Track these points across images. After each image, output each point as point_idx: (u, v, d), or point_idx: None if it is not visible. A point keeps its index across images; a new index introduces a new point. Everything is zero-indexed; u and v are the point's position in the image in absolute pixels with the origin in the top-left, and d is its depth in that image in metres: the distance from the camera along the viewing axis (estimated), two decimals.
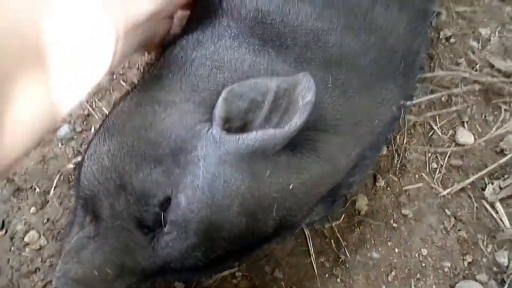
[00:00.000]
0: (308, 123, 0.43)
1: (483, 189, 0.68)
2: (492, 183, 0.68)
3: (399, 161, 0.71)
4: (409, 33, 0.54)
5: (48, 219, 0.70)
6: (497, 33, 0.76)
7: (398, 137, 0.72)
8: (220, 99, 0.43)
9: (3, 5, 0.31)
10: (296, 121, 0.41)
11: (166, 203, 0.44)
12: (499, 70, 0.71)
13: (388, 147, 0.71)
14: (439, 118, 0.73)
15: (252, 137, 0.42)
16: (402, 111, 0.64)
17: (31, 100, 0.33)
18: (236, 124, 0.44)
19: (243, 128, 0.45)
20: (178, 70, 0.48)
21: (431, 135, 0.72)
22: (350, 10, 0.48)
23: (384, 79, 0.52)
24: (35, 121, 0.34)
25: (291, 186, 0.45)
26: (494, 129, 0.70)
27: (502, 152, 0.70)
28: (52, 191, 0.71)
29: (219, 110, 0.43)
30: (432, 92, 0.72)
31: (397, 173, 0.70)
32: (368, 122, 0.52)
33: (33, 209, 0.70)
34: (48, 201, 0.71)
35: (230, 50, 0.48)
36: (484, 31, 0.76)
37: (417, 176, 0.70)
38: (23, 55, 0.32)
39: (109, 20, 0.37)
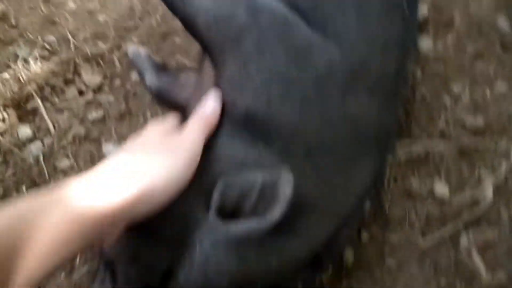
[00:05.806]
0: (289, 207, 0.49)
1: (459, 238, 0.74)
2: (468, 233, 0.74)
3: (382, 214, 0.76)
4: (381, 114, 0.60)
5: None
6: (467, 89, 0.82)
7: (380, 191, 0.78)
8: (216, 192, 0.51)
9: None
10: (276, 212, 0.48)
11: (168, 274, 0.52)
12: (471, 128, 0.77)
13: (371, 202, 0.77)
14: (417, 172, 0.79)
15: (240, 227, 0.49)
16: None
17: None
18: (228, 210, 0.51)
19: (234, 213, 0.52)
20: None
21: (410, 188, 0.78)
22: (324, 106, 0.55)
23: (359, 160, 0.58)
24: None
25: (273, 264, 0.52)
26: (469, 183, 0.76)
27: (477, 203, 0.75)
28: None
29: (215, 201, 0.51)
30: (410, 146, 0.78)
31: (380, 226, 0.76)
32: (345, 200, 0.58)
33: None
34: None
35: (226, 146, 0.54)
36: (456, 88, 0.83)
37: (399, 228, 0.76)
38: None
39: None
